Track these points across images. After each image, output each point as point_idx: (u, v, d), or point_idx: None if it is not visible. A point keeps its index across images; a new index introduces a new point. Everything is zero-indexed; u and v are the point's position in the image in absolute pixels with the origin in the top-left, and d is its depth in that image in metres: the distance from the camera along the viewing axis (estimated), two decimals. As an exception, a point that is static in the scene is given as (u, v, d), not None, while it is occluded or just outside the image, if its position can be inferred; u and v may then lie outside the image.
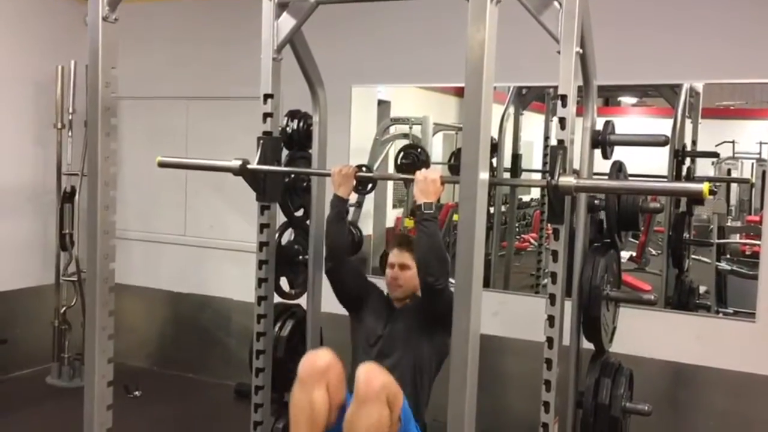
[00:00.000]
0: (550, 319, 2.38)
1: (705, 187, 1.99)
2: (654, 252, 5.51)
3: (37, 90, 4.86)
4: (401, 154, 4.89)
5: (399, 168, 4.70)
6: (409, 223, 5.76)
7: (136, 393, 4.43)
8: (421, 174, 2.57)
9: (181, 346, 5.04)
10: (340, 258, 2.94)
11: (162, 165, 2.93)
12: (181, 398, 4.51)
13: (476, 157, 1.98)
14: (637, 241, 5.39)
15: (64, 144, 4.76)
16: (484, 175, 2.03)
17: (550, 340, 2.38)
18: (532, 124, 5.91)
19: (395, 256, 2.94)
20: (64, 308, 4.80)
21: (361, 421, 2.39)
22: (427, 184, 2.54)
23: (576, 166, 2.46)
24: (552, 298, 2.38)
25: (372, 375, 2.43)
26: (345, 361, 2.68)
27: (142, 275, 5.00)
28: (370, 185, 3.85)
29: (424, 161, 4.71)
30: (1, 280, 4.73)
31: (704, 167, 5.04)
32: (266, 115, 2.87)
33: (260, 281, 2.95)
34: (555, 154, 2.29)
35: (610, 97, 5.95)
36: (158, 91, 4.92)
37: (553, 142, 2.35)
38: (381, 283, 3.08)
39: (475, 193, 1.98)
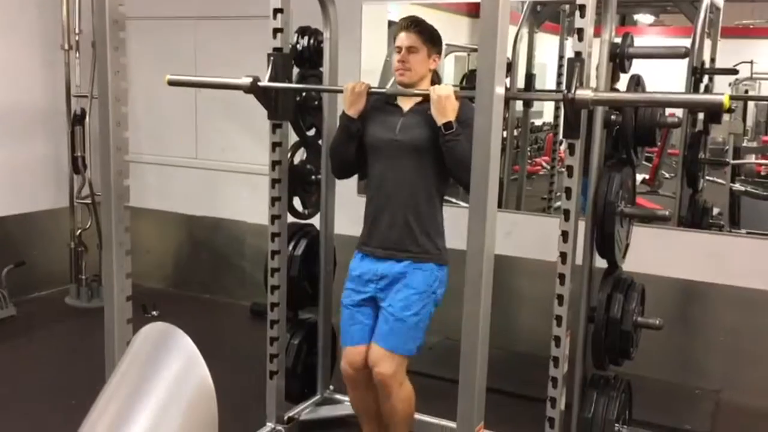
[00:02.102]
0: (564, 235, 2.38)
1: (725, 98, 1.96)
2: (667, 175, 5.48)
3: (42, 10, 4.78)
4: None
5: (410, 89, 4.63)
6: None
7: (154, 312, 4.52)
8: (434, 93, 2.53)
9: (197, 267, 5.11)
10: (349, 174, 2.92)
11: (171, 83, 2.90)
12: (198, 317, 4.60)
13: (492, 69, 1.95)
14: (650, 165, 5.36)
15: (72, 65, 4.71)
16: (500, 90, 1.99)
17: (563, 255, 2.38)
18: (545, 46, 5.79)
19: (401, 39, 2.64)
20: (79, 230, 4.86)
21: (393, 408, 2.69)
22: (442, 102, 2.51)
23: (593, 83, 2.41)
24: (566, 213, 2.37)
25: (379, 370, 2.63)
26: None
27: (156, 198, 5.03)
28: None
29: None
30: (17, 203, 4.79)
31: (721, 88, 4.94)
32: (276, 31, 2.82)
33: (273, 200, 2.95)
34: (572, 67, 2.24)
35: (626, 14, 5.80)
36: (165, 11, 4.82)
37: (570, 55, 2.31)
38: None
39: (491, 106, 1.96)
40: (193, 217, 5.03)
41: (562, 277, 2.39)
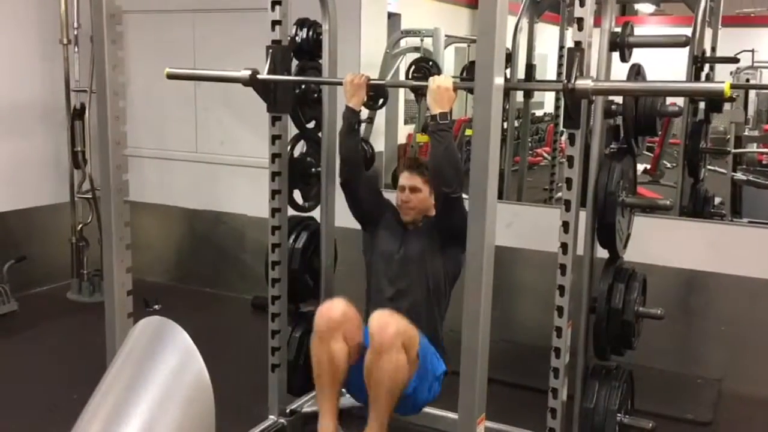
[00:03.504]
0: (565, 225, 2.37)
1: (726, 85, 1.95)
2: (668, 165, 5.47)
3: (40, 5, 4.77)
4: (412, 68, 4.80)
5: (410, 82, 4.60)
6: (421, 138, 5.71)
7: (156, 307, 4.52)
8: (434, 82, 2.54)
9: (198, 261, 5.11)
10: (355, 171, 2.90)
11: (170, 76, 2.90)
12: (200, 311, 4.60)
13: (492, 60, 1.94)
14: (651, 154, 5.35)
15: (71, 60, 4.70)
16: (500, 80, 1.99)
17: (564, 245, 2.38)
18: (545, 36, 5.77)
19: (406, 179, 2.87)
20: (80, 225, 4.86)
21: (381, 370, 2.47)
22: (441, 92, 2.52)
23: (593, 73, 2.40)
24: (567, 204, 2.37)
25: (385, 323, 2.48)
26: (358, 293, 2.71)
27: (157, 193, 5.02)
28: (381, 100, 3.81)
29: (435, 75, 4.62)
30: (17, 199, 4.78)
31: (722, 77, 4.92)
32: (275, 23, 2.81)
33: (273, 193, 2.95)
34: (572, 56, 2.23)
35: (626, 3, 5.77)
36: (163, 4, 4.81)
37: (570, 45, 2.30)
38: (393, 198, 3.05)
39: (490, 96, 1.95)
40: (193, 211, 5.03)
41: (563, 267, 2.39)
